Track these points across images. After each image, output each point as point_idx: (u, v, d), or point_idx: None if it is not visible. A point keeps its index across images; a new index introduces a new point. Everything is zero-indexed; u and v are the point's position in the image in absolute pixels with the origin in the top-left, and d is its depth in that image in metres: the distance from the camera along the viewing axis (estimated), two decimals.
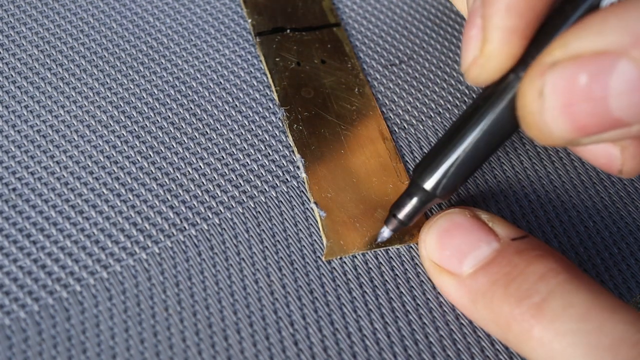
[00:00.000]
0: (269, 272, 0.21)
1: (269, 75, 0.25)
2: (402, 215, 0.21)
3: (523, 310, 0.18)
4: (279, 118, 0.24)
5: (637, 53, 0.14)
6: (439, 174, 0.20)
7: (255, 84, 0.25)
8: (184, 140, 0.23)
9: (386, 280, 0.21)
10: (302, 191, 0.23)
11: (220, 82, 0.25)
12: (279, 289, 0.21)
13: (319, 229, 0.22)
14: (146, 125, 0.23)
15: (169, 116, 0.24)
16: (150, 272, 0.21)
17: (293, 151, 0.24)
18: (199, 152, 0.23)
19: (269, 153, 0.23)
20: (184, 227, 0.21)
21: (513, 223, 0.23)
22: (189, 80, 0.25)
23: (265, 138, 0.24)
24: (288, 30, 0.26)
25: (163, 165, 0.23)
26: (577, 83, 0.15)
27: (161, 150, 0.23)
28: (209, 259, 0.21)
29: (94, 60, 0.25)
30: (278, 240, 0.22)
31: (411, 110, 0.25)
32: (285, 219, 0.22)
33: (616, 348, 0.17)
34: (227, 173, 0.23)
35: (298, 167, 0.23)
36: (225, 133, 0.24)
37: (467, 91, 0.26)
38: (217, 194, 0.22)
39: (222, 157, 0.23)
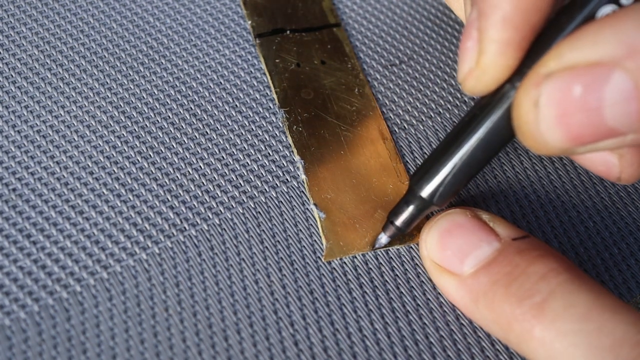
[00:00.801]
0: (269, 272, 0.21)
1: (268, 77, 0.25)
2: (399, 222, 0.21)
3: (524, 310, 0.18)
4: (279, 118, 0.24)
5: (631, 64, 0.15)
6: (436, 182, 0.20)
7: (255, 84, 0.25)
8: (184, 141, 0.23)
9: (386, 281, 0.21)
10: (302, 191, 0.23)
11: (220, 83, 0.25)
12: (279, 289, 0.21)
13: (319, 230, 0.22)
14: (146, 125, 0.23)
15: (169, 116, 0.24)
16: (151, 273, 0.21)
17: (293, 152, 0.24)
18: (199, 152, 0.23)
19: (269, 153, 0.23)
20: (184, 228, 0.21)
21: (513, 223, 0.23)
22: (189, 80, 0.25)
23: (266, 138, 0.24)
24: (288, 32, 0.26)
25: (163, 166, 0.23)
26: (572, 93, 0.16)
27: (161, 150, 0.23)
28: (209, 259, 0.21)
29: (93, 60, 0.25)
30: (278, 241, 0.22)
31: (411, 111, 0.25)
32: (286, 219, 0.22)
33: (617, 348, 0.17)
34: (227, 173, 0.23)
35: (298, 168, 0.23)
36: (225, 133, 0.24)
37: None
38: (217, 194, 0.22)
39: (222, 157, 0.23)
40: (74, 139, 0.23)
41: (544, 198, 0.24)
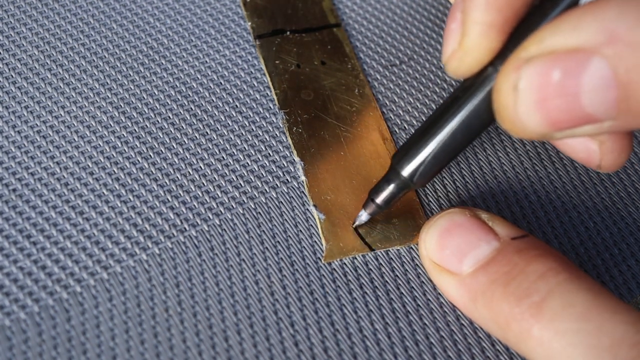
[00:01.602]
0: (269, 272, 0.21)
1: (268, 78, 0.25)
2: (379, 200, 0.21)
3: (523, 309, 0.18)
4: (279, 119, 0.24)
5: (610, 51, 0.15)
6: (416, 162, 0.20)
7: (256, 84, 0.25)
8: (184, 141, 0.23)
9: (386, 281, 0.21)
10: (303, 192, 0.23)
11: (221, 83, 0.25)
12: (279, 290, 0.21)
13: (319, 230, 0.22)
14: (146, 125, 0.23)
15: (169, 117, 0.24)
16: (151, 273, 0.21)
17: (293, 153, 0.23)
18: (199, 152, 0.23)
19: (269, 154, 0.23)
20: (185, 228, 0.21)
21: (513, 223, 0.23)
22: (189, 81, 0.25)
23: (266, 139, 0.24)
24: (288, 32, 0.26)
25: (163, 166, 0.23)
26: (551, 78, 0.16)
27: (161, 150, 0.23)
28: (210, 260, 0.21)
29: (93, 60, 0.25)
30: (278, 241, 0.22)
31: (411, 111, 0.25)
32: (286, 219, 0.22)
33: (616, 348, 0.17)
34: (227, 174, 0.23)
35: (298, 169, 0.23)
36: (226, 134, 0.24)
37: None
38: (217, 194, 0.22)
39: (222, 157, 0.23)
40: (74, 139, 0.23)
41: (544, 198, 0.24)
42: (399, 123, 0.25)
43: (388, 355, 0.20)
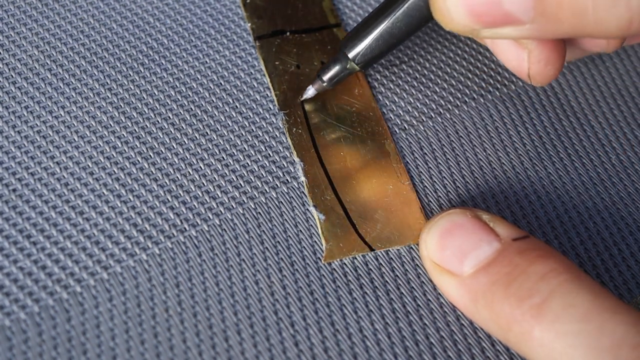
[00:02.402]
0: (269, 273, 0.21)
1: (268, 79, 0.25)
2: (326, 77, 0.24)
3: (524, 310, 0.18)
4: (279, 119, 0.24)
5: None
6: (361, 46, 0.23)
7: (255, 85, 0.25)
8: (184, 141, 0.23)
9: (387, 282, 0.21)
10: (303, 192, 0.23)
11: (220, 83, 0.25)
12: (279, 290, 0.21)
13: (319, 231, 0.22)
14: (146, 126, 0.23)
15: (169, 117, 0.24)
16: (151, 273, 0.21)
17: (292, 154, 0.24)
18: (199, 152, 0.23)
19: (269, 154, 0.23)
20: (185, 228, 0.21)
21: (513, 223, 0.23)
22: (189, 81, 0.25)
23: (266, 139, 0.24)
24: (288, 33, 0.26)
25: (163, 166, 0.23)
26: None
27: (161, 151, 0.23)
28: (210, 260, 0.21)
29: (93, 60, 0.25)
30: (278, 241, 0.22)
31: (411, 111, 0.25)
32: (286, 219, 0.22)
33: (617, 350, 0.17)
34: (227, 174, 0.23)
35: (298, 170, 0.23)
36: (225, 134, 0.24)
37: (467, 91, 0.26)
38: (217, 194, 0.22)
39: (222, 158, 0.23)
40: (74, 139, 0.23)
41: (544, 198, 0.24)
42: (399, 123, 0.25)
43: (388, 355, 0.20)
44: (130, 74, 0.24)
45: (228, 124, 0.24)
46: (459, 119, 0.25)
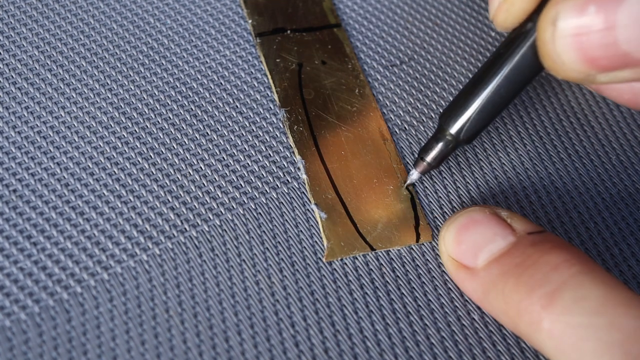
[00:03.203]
0: (270, 273, 0.21)
1: (269, 76, 0.25)
2: (429, 158, 0.22)
3: (533, 300, 0.18)
4: (279, 119, 0.24)
5: None
6: (463, 119, 0.21)
7: (256, 84, 0.25)
8: (185, 142, 0.23)
9: (387, 281, 0.21)
10: (303, 192, 0.23)
11: (221, 83, 0.25)
12: (280, 290, 0.21)
13: (319, 230, 0.22)
14: (146, 126, 0.23)
15: (169, 117, 0.24)
16: (151, 274, 0.21)
17: (293, 152, 0.23)
18: (200, 153, 0.23)
19: (269, 154, 0.23)
20: (185, 229, 0.21)
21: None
22: (189, 80, 0.25)
23: (266, 139, 0.24)
24: (288, 31, 0.26)
25: (163, 167, 0.23)
26: (586, 12, 0.16)
27: (161, 151, 0.23)
28: (210, 260, 0.21)
29: (93, 61, 0.25)
30: (279, 242, 0.22)
31: (412, 111, 0.25)
32: (286, 220, 0.22)
33: (627, 344, 0.16)
34: (228, 174, 0.23)
35: (299, 168, 0.23)
36: (226, 134, 0.24)
37: None
38: (217, 195, 0.22)
39: (223, 158, 0.23)
40: (74, 139, 0.23)
41: (544, 198, 0.24)
42: (399, 123, 0.25)
43: (389, 355, 0.20)
44: (130, 74, 0.24)
45: (228, 124, 0.24)
46: None
